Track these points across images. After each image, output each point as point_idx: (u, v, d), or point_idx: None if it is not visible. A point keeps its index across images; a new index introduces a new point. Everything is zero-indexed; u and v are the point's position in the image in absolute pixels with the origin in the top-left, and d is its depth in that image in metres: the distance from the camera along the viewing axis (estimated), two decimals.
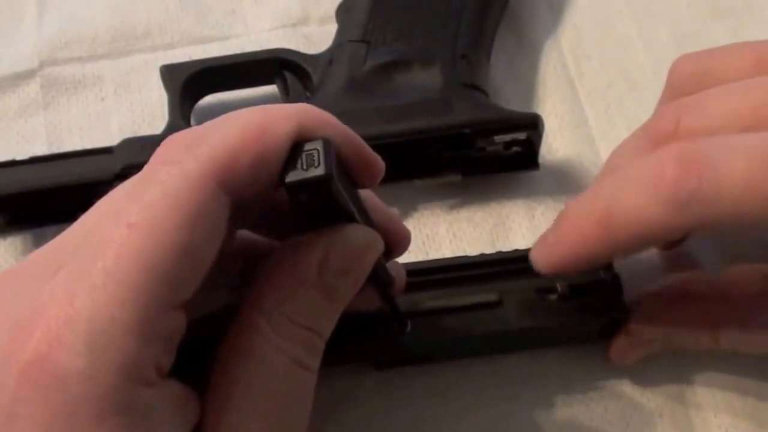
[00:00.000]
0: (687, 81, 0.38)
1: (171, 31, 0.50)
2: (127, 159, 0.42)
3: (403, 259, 0.43)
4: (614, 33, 0.50)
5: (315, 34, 0.49)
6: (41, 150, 0.47)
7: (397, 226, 0.35)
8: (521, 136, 0.43)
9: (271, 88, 0.47)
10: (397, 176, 0.45)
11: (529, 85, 0.49)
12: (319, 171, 0.28)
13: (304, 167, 0.28)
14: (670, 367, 0.40)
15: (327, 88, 0.44)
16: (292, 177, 0.28)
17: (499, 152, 0.43)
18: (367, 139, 0.42)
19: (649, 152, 0.35)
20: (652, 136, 0.36)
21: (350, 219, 0.31)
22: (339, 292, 0.30)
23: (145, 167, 0.28)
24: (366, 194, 0.34)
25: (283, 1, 0.51)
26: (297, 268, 0.29)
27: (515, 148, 0.43)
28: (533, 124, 0.43)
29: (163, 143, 0.29)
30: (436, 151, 0.43)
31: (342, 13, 0.47)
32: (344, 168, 0.31)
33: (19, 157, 0.43)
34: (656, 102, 0.47)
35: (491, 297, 0.39)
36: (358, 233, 0.31)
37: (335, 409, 0.40)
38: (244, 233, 0.33)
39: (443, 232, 0.44)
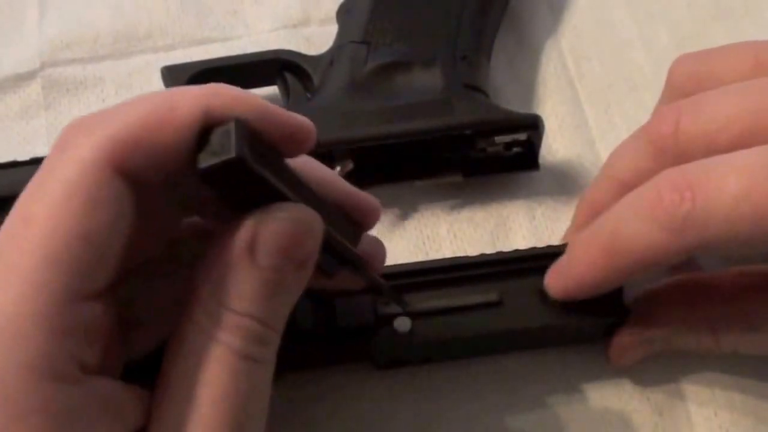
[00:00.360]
0: (686, 81, 0.38)
1: (172, 32, 0.50)
2: None
3: (403, 260, 0.43)
4: (614, 34, 0.50)
5: (316, 35, 0.49)
6: (42, 151, 0.47)
7: (360, 198, 0.33)
8: (522, 136, 0.43)
9: (272, 89, 0.47)
10: (397, 177, 0.45)
11: (529, 86, 0.49)
12: (229, 153, 0.26)
13: (216, 151, 0.27)
14: (670, 367, 0.41)
15: (328, 89, 0.45)
16: (203, 162, 0.27)
17: (499, 153, 0.44)
18: (368, 139, 0.43)
19: (648, 155, 0.36)
20: (652, 138, 0.37)
21: (281, 198, 0.28)
22: (279, 275, 0.28)
23: (48, 154, 0.27)
24: (323, 172, 0.32)
25: (284, 2, 0.51)
26: (225, 252, 0.28)
27: (516, 149, 0.43)
28: (533, 125, 0.43)
29: (65, 127, 0.28)
30: (436, 151, 0.44)
31: (343, 14, 0.47)
32: (267, 144, 0.29)
33: (20, 158, 0.43)
34: (656, 103, 0.47)
35: (492, 297, 0.39)
36: (289, 211, 0.28)
37: (338, 408, 0.40)
38: (195, 221, 0.32)
39: (444, 233, 0.45)
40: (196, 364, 0.27)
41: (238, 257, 0.28)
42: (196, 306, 0.28)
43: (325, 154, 0.43)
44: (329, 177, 0.33)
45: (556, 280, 0.38)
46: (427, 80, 0.44)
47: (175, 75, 0.45)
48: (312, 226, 0.29)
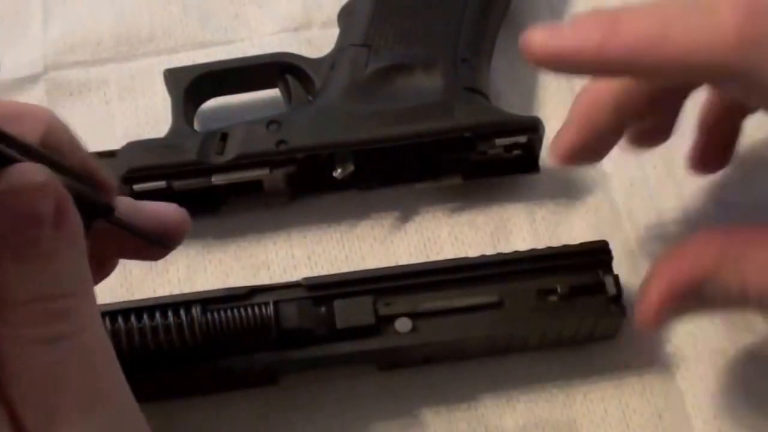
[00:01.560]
0: None
1: (175, 35, 0.50)
2: (131, 162, 0.43)
3: (404, 261, 0.43)
4: None
5: (317, 38, 0.50)
6: None
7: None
8: (522, 139, 0.43)
9: (274, 92, 0.47)
10: (398, 179, 0.45)
11: (529, 89, 0.49)
12: None
13: None
14: (670, 369, 0.41)
15: (329, 92, 0.45)
16: None
17: (500, 155, 0.44)
18: (369, 142, 0.43)
19: None
20: None
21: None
22: (20, 246, 0.25)
23: None
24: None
25: (286, 5, 0.51)
26: None
27: (516, 152, 0.44)
28: (534, 127, 0.43)
29: None
30: (437, 154, 0.44)
31: (344, 17, 0.48)
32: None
33: None
34: None
35: (492, 298, 0.39)
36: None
37: (338, 409, 0.40)
38: None
39: (444, 235, 0.45)
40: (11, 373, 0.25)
41: None
42: None
43: (327, 157, 0.43)
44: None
45: (540, 34, 0.33)
46: (427, 83, 0.44)
47: (177, 78, 0.46)
48: (35, 178, 0.26)
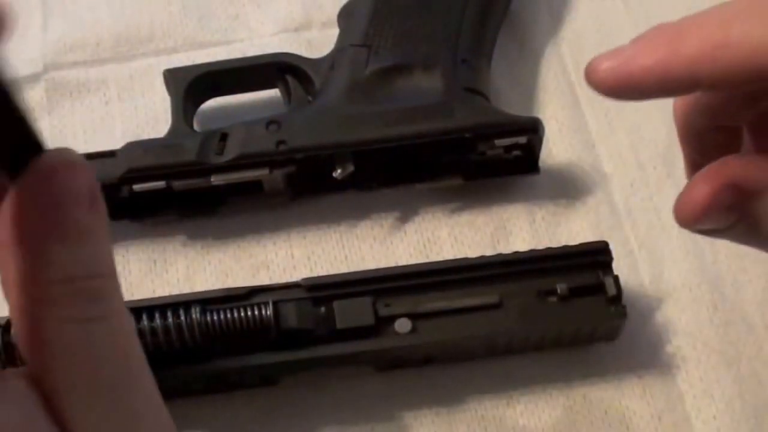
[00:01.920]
0: None
1: (174, 35, 0.50)
2: (130, 162, 0.42)
3: (404, 262, 0.43)
4: (614, 39, 0.49)
5: (317, 39, 0.50)
6: None
7: None
8: (522, 140, 0.43)
9: (274, 92, 0.47)
10: (398, 180, 0.45)
11: (529, 90, 0.49)
12: None
13: None
14: (671, 370, 0.41)
15: (329, 93, 0.45)
16: None
17: (499, 156, 0.44)
18: (369, 143, 0.43)
19: None
20: None
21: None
22: (60, 225, 0.25)
23: None
24: None
25: (286, 6, 0.51)
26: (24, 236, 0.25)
27: (516, 152, 0.44)
28: (534, 128, 0.43)
29: None
30: (437, 154, 0.44)
31: (344, 17, 0.48)
32: None
33: None
34: (655, 108, 0.47)
35: (492, 299, 0.39)
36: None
37: (338, 410, 0.40)
38: None
39: (444, 236, 0.45)
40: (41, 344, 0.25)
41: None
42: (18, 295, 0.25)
43: (326, 157, 0.43)
44: None
45: (607, 61, 0.31)
46: (427, 83, 0.44)
47: (177, 78, 0.46)
48: (71, 158, 0.25)
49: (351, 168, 0.43)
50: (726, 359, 0.41)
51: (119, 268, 0.43)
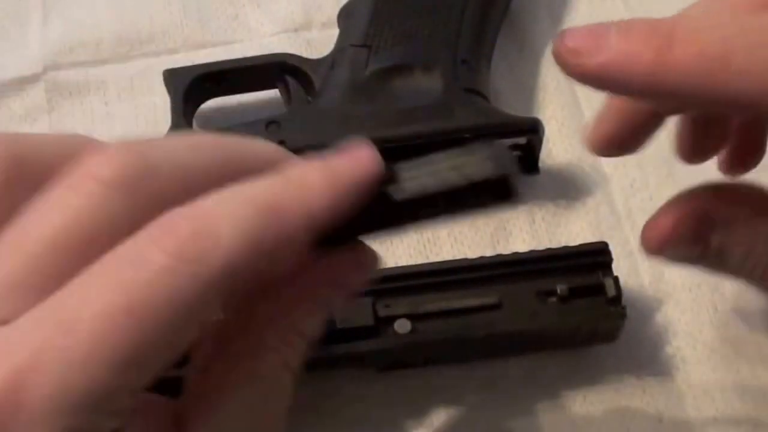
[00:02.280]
0: None
1: (174, 36, 0.50)
2: None
3: (403, 262, 0.43)
4: None
5: (317, 39, 0.50)
6: None
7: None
8: (522, 140, 0.43)
9: (274, 92, 0.47)
10: None
11: (529, 91, 0.49)
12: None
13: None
14: (670, 371, 0.41)
15: (328, 93, 0.45)
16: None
17: None
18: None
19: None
20: None
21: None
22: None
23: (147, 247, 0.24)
24: None
25: (286, 6, 0.51)
26: (309, 290, 0.30)
27: (516, 153, 0.44)
28: (533, 129, 0.43)
29: (163, 223, 0.25)
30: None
31: (343, 17, 0.48)
32: None
33: None
34: None
35: (491, 299, 0.39)
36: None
37: (338, 411, 0.40)
38: None
39: (444, 236, 0.45)
40: (250, 374, 0.29)
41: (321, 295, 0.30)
42: (269, 332, 0.30)
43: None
44: None
45: (579, 38, 0.28)
46: (427, 84, 0.44)
47: (176, 78, 0.46)
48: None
49: None
50: (726, 360, 0.41)
51: None
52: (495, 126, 0.43)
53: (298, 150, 0.42)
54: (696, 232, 0.31)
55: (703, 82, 0.26)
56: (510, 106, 0.47)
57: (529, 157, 0.44)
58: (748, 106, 0.26)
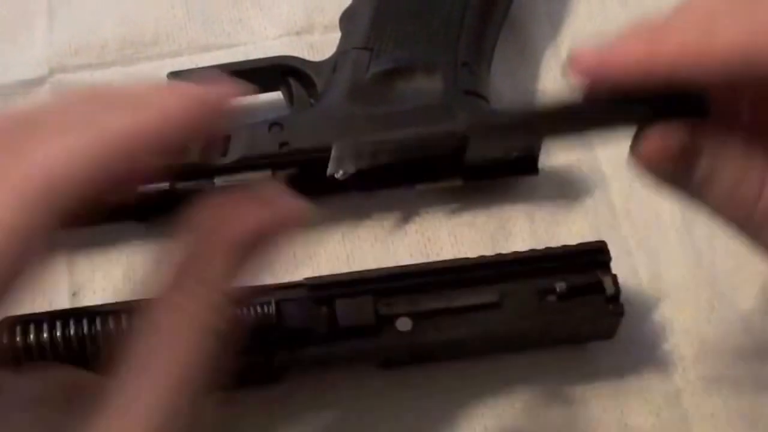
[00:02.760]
0: None
1: (179, 39, 0.51)
2: None
3: (404, 262, 0.44)
4: None
5: (319, 43, 0.50)
6: None
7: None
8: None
9: (276, 94, 0.47)
10: (398, 181, 0.45)
11: (529, 94, 0.49)
12: None
13: None
14: (668, 368, 0.41)
15: (331, 95, 0.45)
16: None
17: (499, 157, 0.44)
18: (370, 144, 0.43)
19: None
20: None
21: None
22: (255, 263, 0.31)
23: None
24: None
25: (288, 10, 0.52)
26: (215, 241, 0.30)
27: (515, 153, 0.44)
28: None
29: None
30: (437, 156, 0.44)
31: (345, 21, 0.48)
32: None
33: None
34: None
35: (491, 298, 0.40)
36: None
37: (340, 408, 0.41)
38: None
39: (444, 236, 0.45)
40: (165, 337, 0.28)
41: (229, 246, 0.29)
42: (171, 286, 0.29)
43: (328, 159, 0.43)
44: None
45: (588, 52, 0.31)
46: (428, 86, 0.45)
47: (181, 80, 0.46)
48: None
49: (352, 169, 0.43)
50: (723, 357, 0.41)
51: (122, 269, 0.44)
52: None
53: (301, 151, 0.43)
54: (684, 151, 0.30)
55: (688, 61, 0.29)
56: None
57: (528, 158, 0.45)
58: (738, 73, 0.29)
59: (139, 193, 0.42)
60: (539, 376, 0.41)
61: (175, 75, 0.46)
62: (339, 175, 0.43)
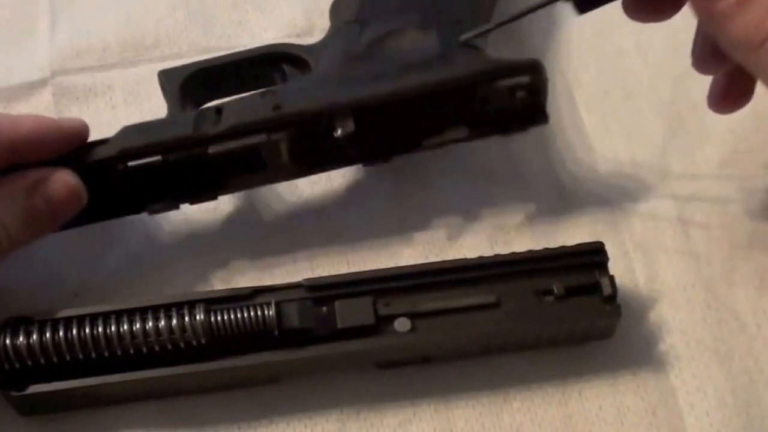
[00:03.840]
0: None
1: (179, 41, 0.51)
2: (125, 143, 0.41)
3: (404, 262, 0.44)
4: (611, 43, 0.51)
5: None
6: None
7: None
8: (524, 79, 0.42)
9: None
10: (403, 145, 0.44)
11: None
12: None
13: None
14: (664, 367, 0.41)
15: (325, 64, 0.44)
16: None
17: (505, 105, 0.42)
18: (368, 99, 0.41)
19: None
20: None
21: None
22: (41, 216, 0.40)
23: None
24: None
25: (288, 12, 0.52)
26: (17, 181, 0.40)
27: (520, 95, 0.42)
28: (535, 68, 0.42)
29: None
30: (439, 107, 0.42)
31: (333, 10, 0.47)
32: None
33: None
34: (651, 110, 0.48)
35: (490, 298, 0.40)
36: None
37: (339, 408, 0.41)
38: None
39: (443, 236, 0.45)
40: None
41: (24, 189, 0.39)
42: None
43: (325, 118, 0.41)
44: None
45: None
46: (423, 42, 0.43)
47: (170, 78, 0.45)
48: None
49: (351, 126, 0.41)
50: (718, 357, 0.41)
51: (123, 268, 0.44)
52: (496, 69, 0.41)
53: (296, 114, 0.41)
54: None
55: None
56: None
57: (535, 103, 0.43)
58: None
59: (132, 168, 0.41)
60: (537, 375, 0.41)
61: (164, 73, 0.45)
62: (338, 133, 0.41)
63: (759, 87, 0.41)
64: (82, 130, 0.42)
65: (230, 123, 0.41)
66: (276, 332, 0.39)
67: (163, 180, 0.42)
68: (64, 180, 0.40)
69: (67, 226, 0.42)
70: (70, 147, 0.41)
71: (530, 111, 0.43)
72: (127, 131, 0.42)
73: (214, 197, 0.44)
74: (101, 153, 0.41)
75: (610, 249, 0.41)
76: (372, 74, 0.42)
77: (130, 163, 0.41)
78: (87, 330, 0.38)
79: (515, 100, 0.42)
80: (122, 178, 0.42)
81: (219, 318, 0.39)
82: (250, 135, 0.41)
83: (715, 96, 0.42)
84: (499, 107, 0.43)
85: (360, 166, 0.46)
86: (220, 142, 0.41)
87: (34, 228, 0.40)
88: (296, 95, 0.42)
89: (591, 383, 0.41)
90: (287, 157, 0.43)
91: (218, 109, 0.42)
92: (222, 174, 0.43)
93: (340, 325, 0.39)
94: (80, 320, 0.39)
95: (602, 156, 0.47)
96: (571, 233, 0.45)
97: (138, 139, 0.42)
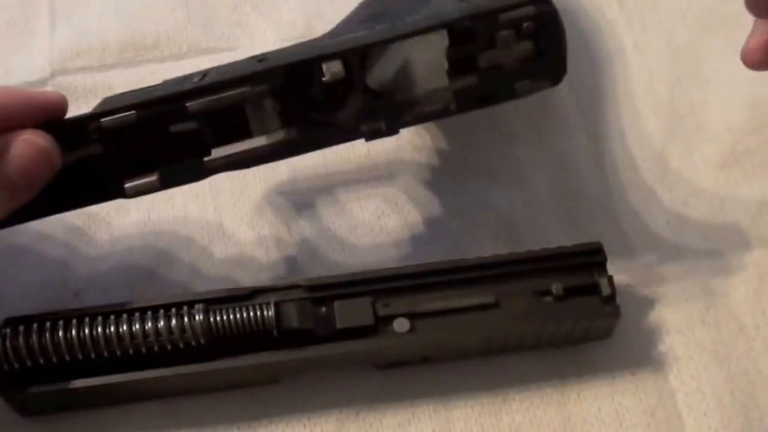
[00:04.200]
0: None
1: (179, 42, 0.51)
2: (104, 106, 0.40)
3: (403, 263, 0.44)
4: (610, 44, 0.51)
5: None
6: None
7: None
8: (529, 10, 0.39)
9: None
10: (405, 111, 0.40)
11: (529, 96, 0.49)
12: None
13: None
14: (663, 368, 0.42)
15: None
16: None
17: (513, 51, 0.39)
18: (358, 42, 0.38)
19: None
20: None
21: None
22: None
23: None
24: None
25: (288, 14, 0.52)
26: None
27: (526, 24, 0.39)
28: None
29: None
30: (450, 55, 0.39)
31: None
32: None
33: None
34: (650, 111, 0.48)
35: (488, 299, 0.40)
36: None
37: (338, 408, 0.41)
38: None
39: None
40: None
41: None
42: None
43: (312, 65, 0.38)
44: None
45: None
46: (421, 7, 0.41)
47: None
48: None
49: (339, 69, 0.38)
50: (717, 358, 0.42)
51: (124, 268, 0.44)
52: (498, 4, 0.39)
53: (281, 66, 0.38)
54: None
55: None
56: (507, 114, 0.47)
57: (546, 47, 0.39)
58: None
59: (106, 128, 0.39)
60: (536, 376, 0.41)
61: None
62: (327, 77, 0.38)
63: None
64: (58, 102, 0.40)
65: (212, 79, 0.39)
66: (275, 332, 0.39)
67: (141, 146, 0.39)
68: (29, 141, 0.37)
69: (47, 209, 0.40)
70: (45, 119, 0.39)
71: (546, 60, 0.40)
72: (108, 98, 0.41)
73: (198, 176, 0.40)
74: (76, 116, 0.40)
75: (608, 249, 0.41)
76: (384, 18, 0.41)
77: (104, 120, 0.39)
78: (87, 330, 0.39)
79: (524, 46, 0.39)
80: (97, 141, 0.39)
81: (218, 318, 0.39)
82: (233, 88, 0.38)
83: (757, 48, 0.41)
84: (507, 57, 0.40)
85: (361, 165, 0.46)
86: (200, 97, 0.38)
87: (5, 197, 0.37)
88: (285, 51, 0.41)
89: (590, 384, 0.41)
90: (275, 119, 0.39)
91: (204, 74, 0.40)
92: (205, 143, 0.39)
93: (339, 326, 0.39)
94: (80, 320, 0.39)
95: (601, 156, 0.47)
96: (570, 233, 0.45)
97: (117, 100, 0.40)
